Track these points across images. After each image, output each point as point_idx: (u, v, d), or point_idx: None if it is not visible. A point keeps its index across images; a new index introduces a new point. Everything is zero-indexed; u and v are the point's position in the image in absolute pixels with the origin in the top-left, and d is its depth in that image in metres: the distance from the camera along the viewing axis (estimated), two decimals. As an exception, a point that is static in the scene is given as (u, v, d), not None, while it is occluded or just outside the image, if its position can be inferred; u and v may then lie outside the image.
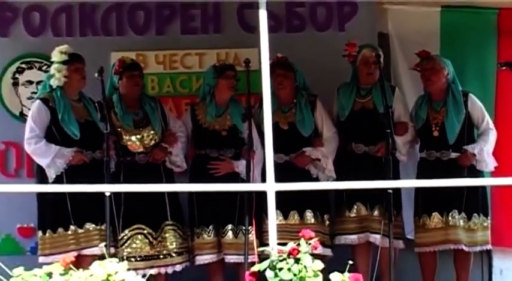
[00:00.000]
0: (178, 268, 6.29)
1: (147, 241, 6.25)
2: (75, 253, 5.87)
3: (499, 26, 7.11)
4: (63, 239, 6.15)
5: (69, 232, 6.15)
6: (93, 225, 6.17)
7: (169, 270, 6.27)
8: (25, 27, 6.99)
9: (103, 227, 6.06)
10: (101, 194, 5.63)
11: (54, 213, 6.15)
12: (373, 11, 7.10)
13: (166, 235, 6.28)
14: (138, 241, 6.25)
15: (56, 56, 6.22)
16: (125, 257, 6.07)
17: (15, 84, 7.00)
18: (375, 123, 6.30)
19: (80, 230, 6.16)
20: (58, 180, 6.11)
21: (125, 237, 6.23)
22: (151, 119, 6.39)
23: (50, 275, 4.70)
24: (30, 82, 7.00)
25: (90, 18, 7.02)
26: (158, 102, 6.53)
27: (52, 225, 6.16)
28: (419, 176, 6.50)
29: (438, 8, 7.13)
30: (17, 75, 7.00)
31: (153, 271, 6.11)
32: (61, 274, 4.70)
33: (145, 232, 6.26)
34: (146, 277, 4.79)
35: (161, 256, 6.27)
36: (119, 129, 6.31)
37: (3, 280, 4.64)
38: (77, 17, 7.01)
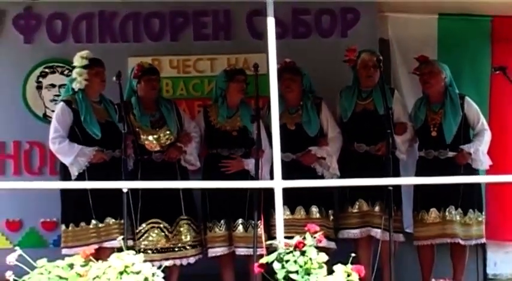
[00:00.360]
0: (192, 260, 6.31)
1: (163, 234, 6.27)
2: (95, 246, 5.89)
3: (493, 33, 7.12)
4: (85, 233, 6.17)
5: (91, 226, 6.16)
6: (113, 219, 6.18)
7: (184, 262, 6.28)
8: (48, 34, 7.01)
9: (122, 221, 6.07)
10: (120, 191, 5.65)
11: (76, 208, 6.16)
12: (374, 18, 7.09)
13: (181, 228, 6.30)
14: (154, 234, 6.26)
15: (78, 60, 6.24)
16: (142, 250, 6.08)
17: (39, 87, 7.01)
18: (375, 124, 6.29)
19: (101, 224, 6.18)
20: (80, 177, 6.13)
21: (142, 230, 6.25)
22: (168, 120, 6.40)
23: (71, 266, 4.72)
24: (53, 85, 7.01)
25: (109, 26, 7.03)
26: (174, 104, 6.54)
27: (75, 219, 6.17)
28: (418, 174, 6.50)
29: (436, 15, 7.13)
30: (40, 79, 7.02)
31: (168, 263, 6.12)
32: (81, 265, 4.71)
33: (161, 225, 6.27)
34: (161, 269, 4.83)
35: (176, 249, 6.28)
36: (137, 130, 6.32)
37: (29, 271, 4.67)
38: (97, 25, 7.03)
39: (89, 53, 6.25)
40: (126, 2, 7.02)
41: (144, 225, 6.25)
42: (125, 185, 5.66)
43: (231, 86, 6.42)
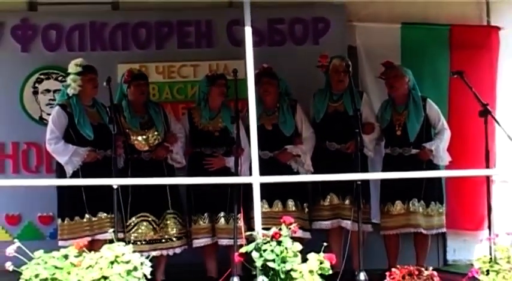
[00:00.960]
0: (178, 250, 6.28)
1: (151, 227, 6.24)
2: (89, 238, 5.86)
3: (451, 40, 7.14)
4: (79, 226, 6.13)
5: (84, 220, 6.13)
6: (105, 214, 6.14)
7: (170, 252, 6.26)
8: (43, 44, 6.95)
9: (114, 215, 6.05)
10: (111, 187, 5.61)
11: (71, 204, 6.13)
12: (343, 27, 7.08)
13: (168, 222, 6.27)
14: (143, 227, 6.23)
15: (72, 68, 6.20)
16: (132, 241, 6.04)
17: (35, 92, 6.96)
18: (345, 125, 6.28)
19: (94, 218, 6.14)
20: (75, 175, 6.10)
21: (132, 223, 6.21)
22: (156, 122, 6.37)
23: (66, 257, 4.69)
24: (48, 91, 6.95)
25: (99, 35, 6.98)
26: (161, 107, 6.52)
27: (70, 214, 6.14)
28: (384, 170, 6.51)
29: (399, 24, 7.14)
30: (36, 85, 6.96)
31: (156, 253, 6.10)
32: (75, 256, 4.69)
33: (149, 219, 6.24)
34: (149, 258, 4.80)
35: (163, 240, 6.25)
36: (127, 131, 6.29)
37: (27, 262, 4.63)
38: (88, 34, 6.97)
39: (82, 60, 6.22)
40: (116, 13, 6.99)
41: (133, 218, 6.21)
42: (115, 181, 5.64)
43: (212, 90, 6.39)
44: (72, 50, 6.92)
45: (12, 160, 6.87)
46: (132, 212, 6.18)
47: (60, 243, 6.02)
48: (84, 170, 6.09)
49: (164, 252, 6.22)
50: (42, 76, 6.95)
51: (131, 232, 6.19)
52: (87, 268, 4.59)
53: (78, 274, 4.56)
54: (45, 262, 4.59)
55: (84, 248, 4.71)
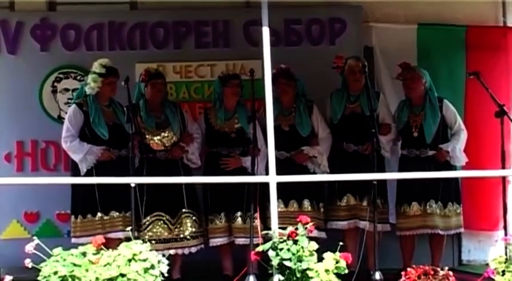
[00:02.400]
0: (193, 249, 6.28)
1: (165, 226, 6.24)
2: (102, 236, 5.88)
3: (467, 41, 7.11)
4: (91, 224, 6.16)
5: (96, 218, 6.16)
6: (117, 213, 6.18)
7: (186, 251, 6.26)
8: (62, 43, 6.97)
9: (127, 214, 6.07)
10: (125, 186, 5.64)
11: (84, 201, 6.16)
12: (360, 27, 7.07)
13: (183, 221, 6.27)
14: (158, 226, 6.24)
15: (96, 67, 6.22)
16: (146, 240, 6.06)
17: (54, 91, 6.98)
18: (363, 126, 6.24)
19: (106, 217, 6.17)
20: (89, 173, 6.13)
21: (147, 222, 6.22)
22: (172, 121, 6.38)
23: (84, 254, 4.71)
24: (67, 90, 6.98)
25: (118, 35, 7.00)
26: (178, 107, 6.53)
27: (82, 211, 6.18)
28: (400, 171, 6.46)
29: (415, 25, 7.12)
30: (55, 84, 6.99)
31: (172, 252, 6.11)
32: (93, 254, 4.71)
33: (164, 218, 6.25)
34: (166, 256, 4.81)
35: (178, 239, 6.26)
36: (143, 130, 6.29)
37: (45, 259, 4.65)
38: (106, 34, 6.99)
39: (108, 61, 6.24)
40: (134, 13, 7.00)
41: (148, 218, 6.22)
42: (132, 180, 5.65)
43: (226, 91, 6.40)
44: (90, 49, 6.95)
45: (31, 158, 6.91)
46: (147, 211, 6.18)
47: (73, 240, 6.09)
48: (98, 169, 6.12)
49: (179, 251, 6.23)
50: (61, 75, 6.98)
51: (145, 231, 6.20)
52: (105, 265, 4.61)
53: (96, 271, 4.58)
54: (64, 259, 4.62)
55: (102, 246, 4.73)
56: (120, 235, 6.01)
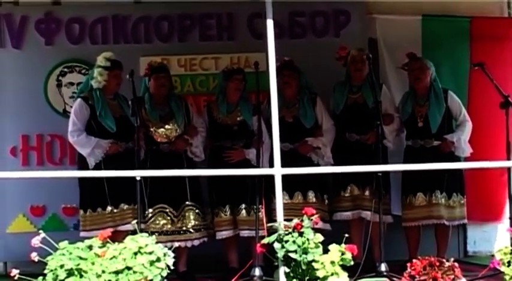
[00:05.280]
0: (196, 242, 6.26)
1: (169, 218, 6.24)
2: (111, 229, 5.88)
3: (472, 32, 7.09)
4: (102, 217, 6.15)
5: (107, 212, 6.15)
6: (127, 205, 6.16)
7: (188, 244, 6.25)
8: (67, 37, 6.96)
9: (135, 206, 6.05)
10: (134, 178, 5.62)
11: (94, 195, 6.15)
12: (364, 19, 7.05)
13: (186, 214, 6.26)
14: (160, 218, 6.24)
15: (101, 61, 6.20)
16: (149, 232, 6.05)
17: (59, 85, 6.97)
18: (365, 116, 6.29)
19: (116, 210, 6.16)
20: (97, 167, 6.12)
21: (149, 215, 6.22)
22: (176, 114, 6.36)
23: (90, 247, 4.71)
24: (72, 83, 6.96)
25: (122, 28, 6.98)
26: (183, 100, 6.52)
27: (92, 205, 6.16)
28: (405, 161, 6.45)
29: (419, 16, 7.10)
30: (60, 78, 6.98)
31: (177, 244, 6.10)
32: (99, 247, 4.71)
33: (167, 210, 6.24)
34: (172, 249, 4.81)
35: (181, 232, 6.24)
36: (147, 123, 6.29)
37: (52, 252, 4.65)
38: (111, 27, 6.98)
39: (112, 54, 6.23)
40: (138, 6, 6.99)
41: (150, 210, 6.22)
42: (138, 173, 5.65)
43: (228, 85, 6.40)
44: (95, 43, 6.93)
45: (36, 152, 6.90)
46: (150, 203, 6.18)
47: (82, 234, 6.06)
48: (106, 162, 6.10)
49: (182, 244, 6.19)
50: (65, 69, 6.96)
51: (148, 223, 6.18)
52: (111, 258, 4.62)
53: (102, 264, 4.59)
54: (70, 253, 4.62)
55: (108, 239, 4.73)
56: (130, 227, 5.99)
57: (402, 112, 6.54)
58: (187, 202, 6.27)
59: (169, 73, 6.49)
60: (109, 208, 6.14)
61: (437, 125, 6.40)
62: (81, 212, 6.22)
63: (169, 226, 6.23)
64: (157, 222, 6.22)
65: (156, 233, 6.09)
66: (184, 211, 6.26)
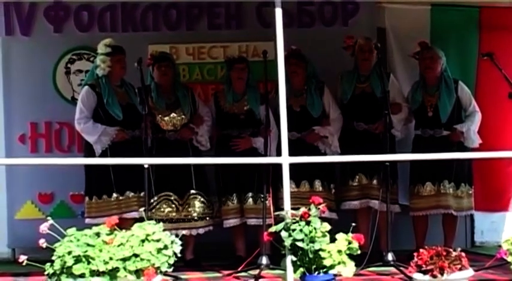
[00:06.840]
0: (201, 231, 6.29)
1: (173, 206, 6.25)
2: (117, 216, 5.88)
3: (481, 22, 7.04)
4: (107, 205, 6.16)
5: (112, 199, 6.16)
6: (132, 193, 6.17)
7: (193, 232, 6.26)
8: (75, 24, 6.95)
9: (141, 194, 6.06)
10: (140, 166, 5.63)
11: (99, 182, 6.17)
12: (373, 8, 7.03)
13: (191, 202, 6.27)
14: (165, 206, 6.25)
15: (101, 48, 6.21)
16: (155, 220, 6.05)
17: (68, 73, 6.98)
18: (373, 105, 6.29)
19: (121, 197, 6.18)
20: (103, 154, 6.12)
21: (154, 202, 6.23)
22: (182, 103, 6.37)
23: (97, 234, 4.71)
24: (80, 71, 6.96)
25: (131, 16, 6.98)
26: (190, 89, 6.52)
27: (97, 192, 6.18)
28: (414, 151, 6.43)
29: (428, 6, 7.06)
30: (68, 65, 6.98)
31: (185, 232, 6.10)
32: (107, 234, 4.71)
33: (172, 198, 6.26)
34: (179, 236, 4.81)
35: (186, 220, 6.26)
36: (154, 111, 6.29)
37: (59, 239, 4.66)
38: (120, 15, 6.97)
39: (111, 40, 6.22)
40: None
41: (156, 197, 6.23)
42: (145, 161, 5.64)
43: (231, 75, 6.41)
44: (103, 30, 6.92)
45: (45, 139, 6.92)
46: (155, 191, 6.17)
47: (87, 220, 6.09)
48: (112, 150, 6.11)
49: (187, 232, 6.20)
50: (74, 57, 6.97)
51: (153, 210, 6.18)
52: (119, 245, 4.62)
53: (110, 251, 4.59)
54: (78, 240, 4.62)
55: (115, 226, 4.74)
56: (136, 214, 6.00)
57: (412, 101, 6.52)
58: (192, 191, 6.28)
59: (173, 62, 6.49)
60: (114, 195, 6.16)
61: (447, 115, 6.39)
62: (87, 199, 6.23)
63: (174, 214, 6.24)
64: (162, 210, 6.24)
65: (161, 221, 6.09)
66: (189, 199, 6.27)
